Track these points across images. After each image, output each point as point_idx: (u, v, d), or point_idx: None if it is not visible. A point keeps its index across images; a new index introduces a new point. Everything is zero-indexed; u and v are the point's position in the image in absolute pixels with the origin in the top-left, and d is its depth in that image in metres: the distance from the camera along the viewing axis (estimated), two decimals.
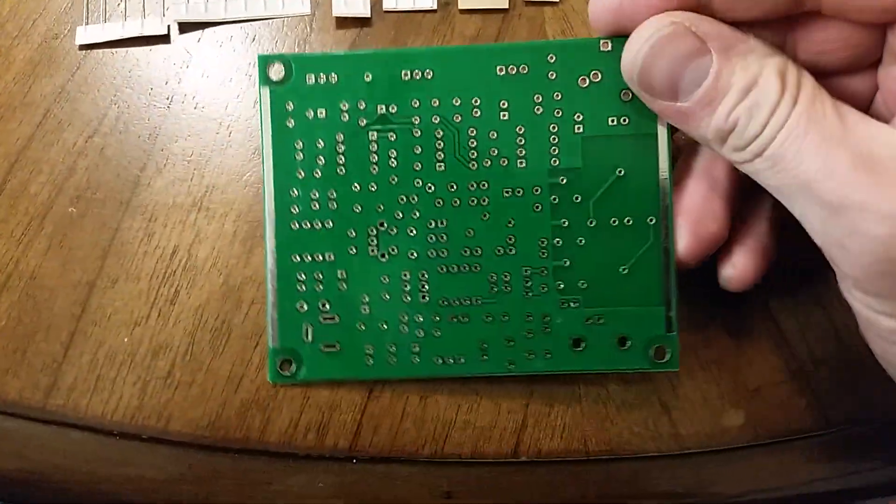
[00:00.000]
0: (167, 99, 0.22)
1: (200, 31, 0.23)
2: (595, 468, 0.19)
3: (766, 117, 0.14)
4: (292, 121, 0.18)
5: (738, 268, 0.18)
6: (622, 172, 0.17)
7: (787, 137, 0.14)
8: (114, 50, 0.23)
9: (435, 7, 0.23)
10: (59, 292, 0.20)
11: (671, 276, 0.17)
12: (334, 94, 0.18)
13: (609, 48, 0.17)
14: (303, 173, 0.18)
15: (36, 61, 0.23)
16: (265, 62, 0.18)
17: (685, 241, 0.17)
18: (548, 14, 0.22)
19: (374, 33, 0.22)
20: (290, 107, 0.18)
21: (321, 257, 0.18)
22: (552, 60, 0.17)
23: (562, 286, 0.18)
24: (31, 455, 0.19)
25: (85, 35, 0.23)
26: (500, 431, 0.19)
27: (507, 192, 0.17)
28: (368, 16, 0.22)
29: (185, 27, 0.23)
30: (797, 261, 0.18)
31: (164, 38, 0.23)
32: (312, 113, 0.18)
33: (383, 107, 0.18)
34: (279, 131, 0.18)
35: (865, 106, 0.16)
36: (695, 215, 0.17)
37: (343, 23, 0.22)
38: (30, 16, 0.23)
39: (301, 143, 0.18)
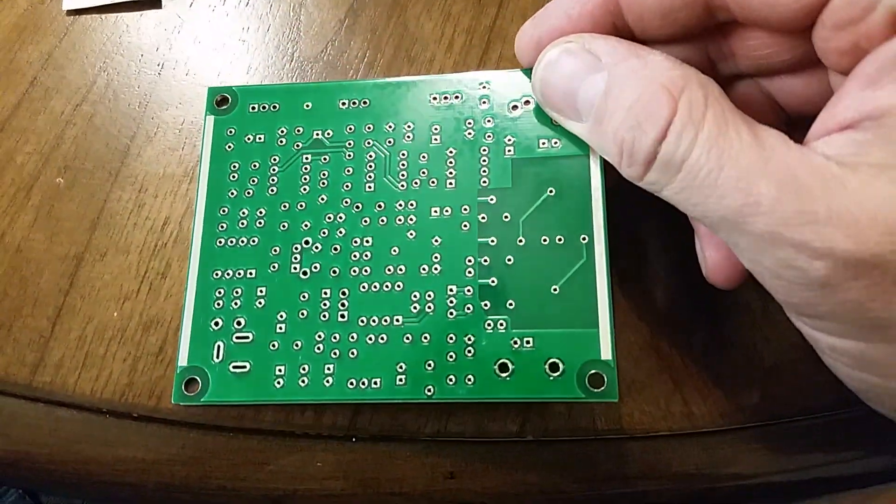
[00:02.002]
0: (158, 65, 0.21)
1: None
2: (604, 448, 0.18)
3: (653, 139, 0.13)
4: (231, 144, 0.18)
5: (708, 262, 0.17)
6: (553, 192, 0.17)
7: (698, 171, 0.12)
8: (103, 15, 0.22)
9: None
10: (46, 265, 0.19)
11: (606, 297, 0.16)
12: (274, 120, 0.18)
13: None
14: (235, 192, 0.18)
15: (21, 27, 0.22)
16: (213, 94, 0.19)
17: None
18: None
19: None
20: (231, 132, 0.18)
21: (242, 273, 0.17)
22: (484, 90, 0.18)
23: (487, 306, 0.17)
24: (17, 434, 0.18)
25: (73, 0, 0.22)
26: (506, 409, 0.18)
27: (434, 211, 0.17)
28: None
29: None
30: None
31: (155, 3, 0.22)
32: (252, 137, 0.18)
33: (319, 132, 0.18)
34: (217, 155, 0.18)
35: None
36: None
37: None
38: None
39: (237, 165, 0.18)
